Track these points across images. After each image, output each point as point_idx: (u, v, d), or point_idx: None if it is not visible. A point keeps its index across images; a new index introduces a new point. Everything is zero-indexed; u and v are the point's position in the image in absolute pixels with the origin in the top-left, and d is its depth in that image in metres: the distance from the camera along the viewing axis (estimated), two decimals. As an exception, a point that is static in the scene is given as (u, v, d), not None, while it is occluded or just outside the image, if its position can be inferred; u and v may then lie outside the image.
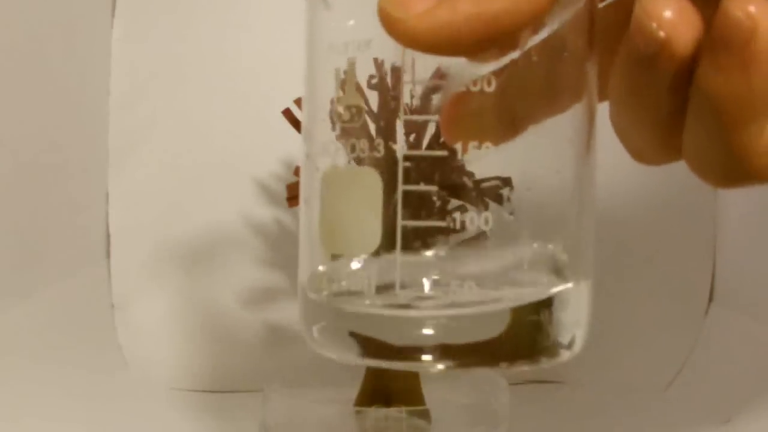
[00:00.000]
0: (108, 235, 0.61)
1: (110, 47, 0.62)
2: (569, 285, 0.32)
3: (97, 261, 0.62)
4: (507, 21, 0.27)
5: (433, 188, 0.31)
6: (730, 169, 0.27)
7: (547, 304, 0.31)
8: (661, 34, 0.26)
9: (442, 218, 0.31)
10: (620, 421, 0.56)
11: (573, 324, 0.32)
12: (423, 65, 0.31)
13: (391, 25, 0.27)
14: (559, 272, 0.32)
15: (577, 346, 0.32)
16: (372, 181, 0.31)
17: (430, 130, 0.31)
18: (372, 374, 0.51)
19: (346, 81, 0.31)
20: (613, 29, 0.29)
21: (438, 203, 0.31)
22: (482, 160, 0.31)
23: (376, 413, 0.50)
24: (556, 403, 0.59)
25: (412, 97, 0.31)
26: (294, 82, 0.52)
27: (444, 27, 0.27)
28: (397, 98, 0.31)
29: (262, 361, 0.59)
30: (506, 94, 0.29)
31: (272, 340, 0.60)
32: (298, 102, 0.52)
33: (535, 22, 0.27)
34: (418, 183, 0.31)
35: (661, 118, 0.28)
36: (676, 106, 0.28)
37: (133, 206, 0.62)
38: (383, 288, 0.31)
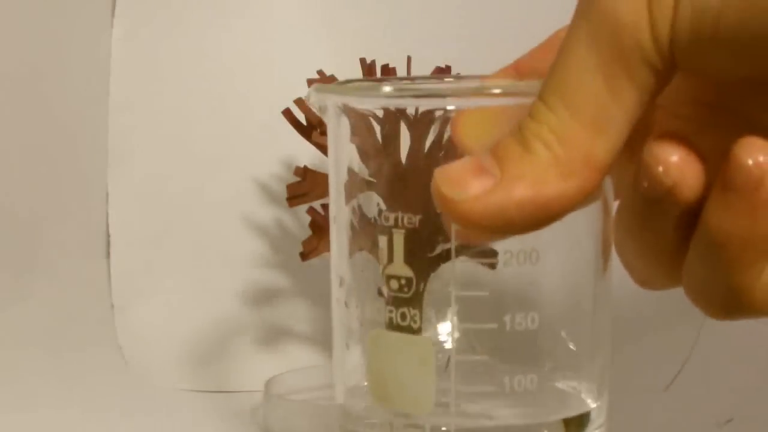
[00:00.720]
0: (108, 235, 0.61)
1: (110, 47, 0.62)
2: (594, 403, 0.33)
3: (97, 261, 0.62)
4: (563, 203, 0.26)
5: (485, 357, 0.32)
6: (729, 302, 0.27)
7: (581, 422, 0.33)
8: (668, 179, 0.26)
9: (492, 383, 0.32)
10: (620, 421, 0.55)
11: None
12: None
13: (444, 204, 0.27)
14: (585, 391, 0.33)
15: None
16: (426, 349, 0.31)
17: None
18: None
19: (394, 252, 0.32)
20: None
21: (488, 370, 0.32)
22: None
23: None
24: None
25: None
26: (294, 82, 0.52)
27: (498, 212, 0.26)
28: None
29: (262, 361, 0.59)
30: None
31: (272, 340, 0.60)
32: (298, 102, 0.52)
33: (588, 201, 0.27)
34: (469, 353, 0.32)
35: (666, 251, 0.28)
36: (680, 239, 0.28)
37: (133, 206, 0.62)
38: None
